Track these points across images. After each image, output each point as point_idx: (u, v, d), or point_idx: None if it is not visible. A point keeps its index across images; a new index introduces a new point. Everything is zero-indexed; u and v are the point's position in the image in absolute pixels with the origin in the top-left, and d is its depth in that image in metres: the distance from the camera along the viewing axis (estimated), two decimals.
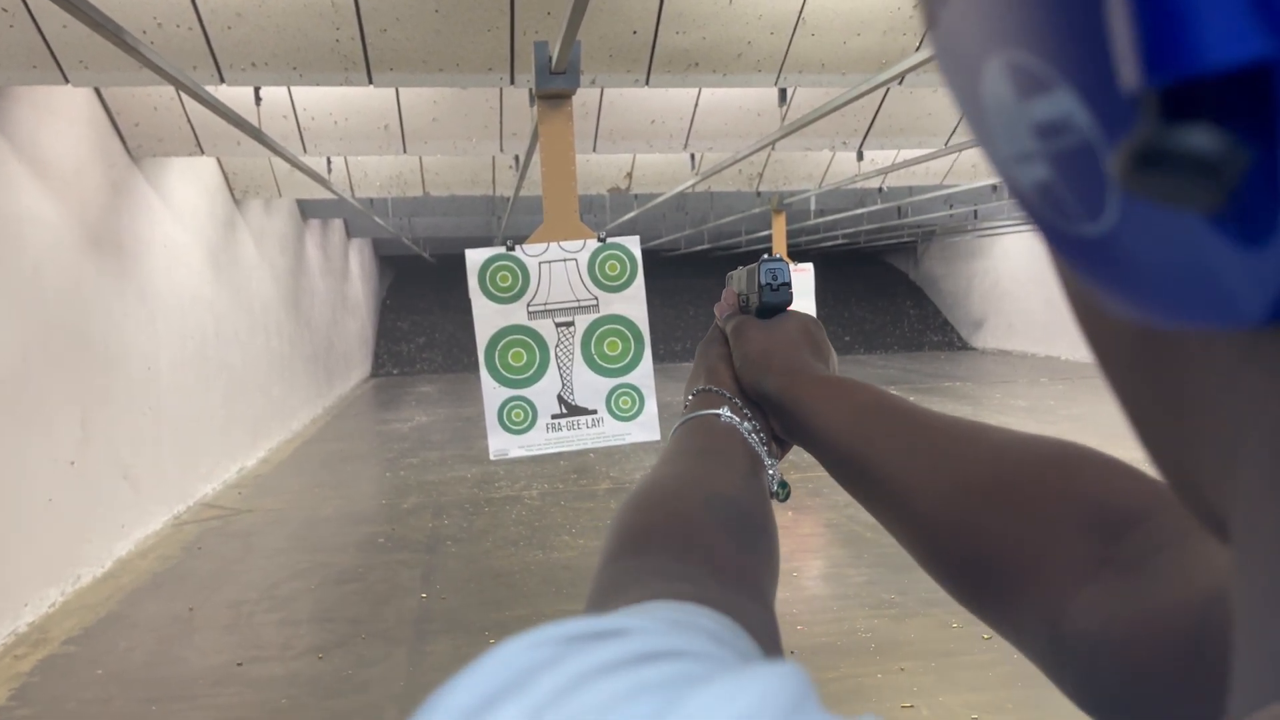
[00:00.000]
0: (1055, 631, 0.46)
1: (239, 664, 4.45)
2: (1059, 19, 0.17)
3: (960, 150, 7.06)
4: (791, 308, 0.84)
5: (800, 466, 0.79)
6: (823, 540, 6.14)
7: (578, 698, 0.20)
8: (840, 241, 20.21)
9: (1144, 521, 0.45)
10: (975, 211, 15.49)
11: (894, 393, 0.67)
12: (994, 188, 12.16)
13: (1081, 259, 0.20)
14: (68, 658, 4.65)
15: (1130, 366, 0.24)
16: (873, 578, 5.33)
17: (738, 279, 0.90)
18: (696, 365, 0.84)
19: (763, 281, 0.82)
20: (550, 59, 2.98)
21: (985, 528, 0.52)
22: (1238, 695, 0.21)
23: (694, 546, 0.52)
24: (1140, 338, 0.23)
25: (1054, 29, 0.17)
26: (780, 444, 0.77)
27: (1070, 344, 18.74)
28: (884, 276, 26.69)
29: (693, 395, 0.79)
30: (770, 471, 0.72)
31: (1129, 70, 0.15)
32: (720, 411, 0.74)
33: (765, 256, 0.83)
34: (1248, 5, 0.14)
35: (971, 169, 9.85)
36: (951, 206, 14.09)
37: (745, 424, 0.73)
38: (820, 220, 13.06)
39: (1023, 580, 0.49)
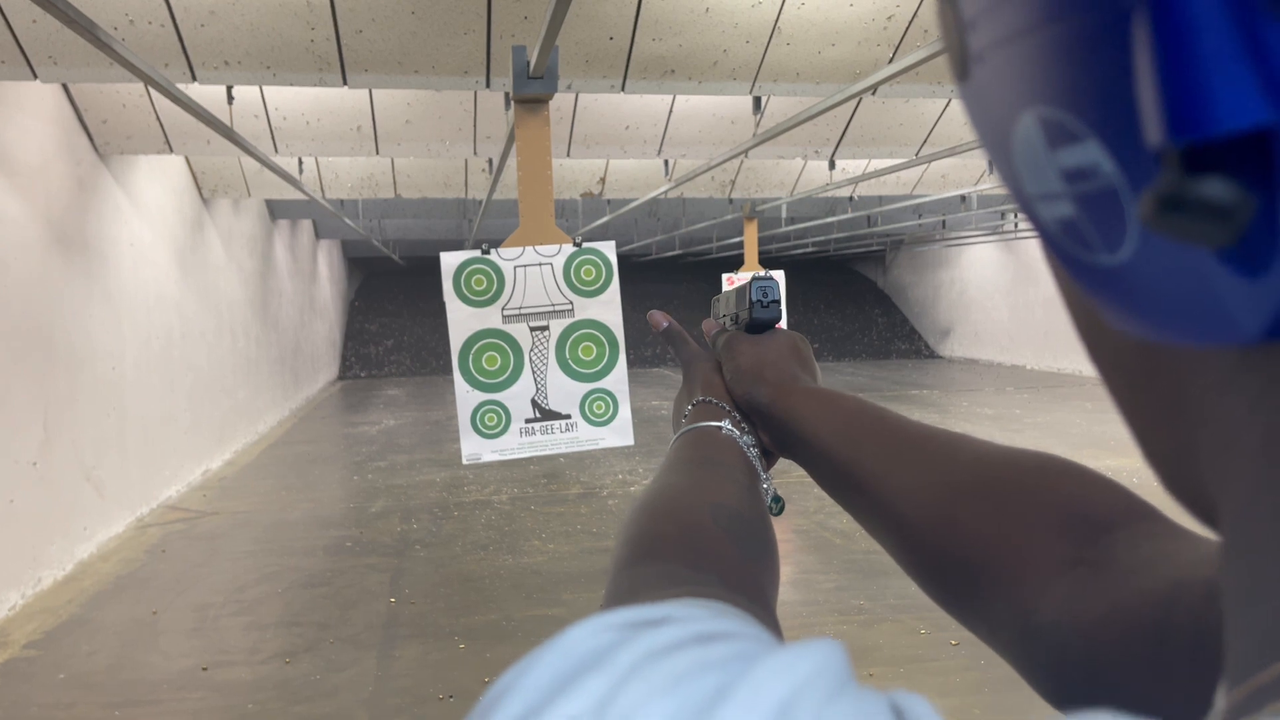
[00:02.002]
0: (1027, 623, 0.48)
1: (204, 668, 4.40)
2: (1092, 85, 0.20)
3: (930, 161, 7.13)
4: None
5: (772, 473, 0.83)
6: (792, 546, 6.18)
7: (654, 670, 0.22)
8: (810, 249, 20.34)
9: (1117, 527, 0.49)
10: (944, 221, 15.67)
11: (879, 404, 0.70)
12: (962, 198, 12.30)
13: (1096, 284, 0.24)
14: (29, 661, 4.57)
15: (1130, 376, 0.28)
16: (841, 583, 5.36)
17: (725, 300, 0.94)
18: (690, 378, 0.87)
19: (754, 298, 0.85)
20: (528, 64, 2.98)
21: (966, 528, 0.55)
22: (1232, 662, 0.24)
23: (705, 555, 0.54)
24: (1140, 350, 0.26)
25: (1087, 93, 0.20)
26: (769, 457, 0.80)
27: (1035, 353, 18.98)
28: (853, 284, 26.88)
29: (693, 405, 0.81)
30: (765, 485, 0.75)
31: (1154, 130, 0.18)
32: (722, 424, 0.77)
33: (756, 274, 0.86)
34: (1255, 81, 0.17)
35: (941, 179, 9.95)
36: (920, 216, 14.23)
37: (744, 438, 0.76)
38: (791, 228, 13.14)
39: (999, 577, 0.51)
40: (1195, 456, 0.26)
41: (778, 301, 0.85)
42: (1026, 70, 0.22)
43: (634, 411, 2.91)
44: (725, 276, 8.68)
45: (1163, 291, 0.21)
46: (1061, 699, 0.46)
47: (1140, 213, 0.19)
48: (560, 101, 6.49)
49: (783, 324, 0.88)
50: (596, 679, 0.22)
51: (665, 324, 0.93)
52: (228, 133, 5.03)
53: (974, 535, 0.54)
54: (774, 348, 0.83)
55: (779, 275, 8.75)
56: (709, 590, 0.46)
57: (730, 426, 0.76)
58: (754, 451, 0.76)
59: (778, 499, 0.76)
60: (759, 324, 0.85)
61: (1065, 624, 0.46)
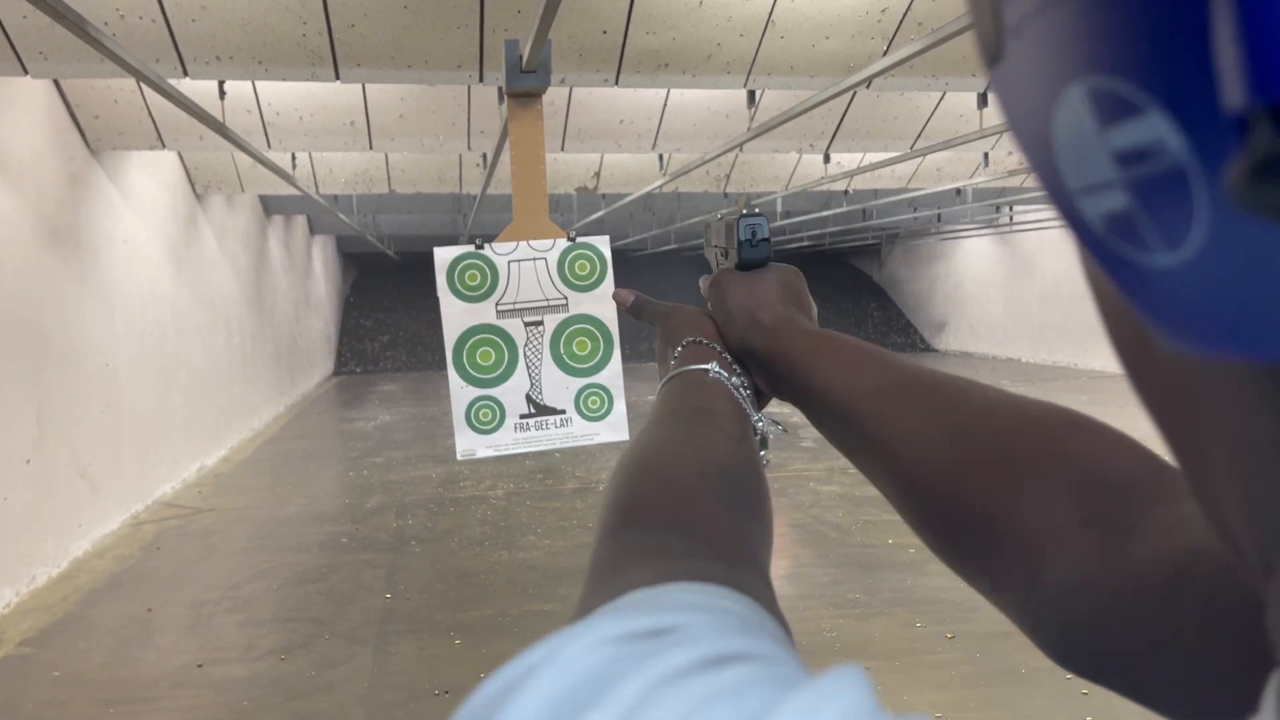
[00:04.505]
0: (1034, 581, 0.46)
1: (200, 665, 4.39)
2: (1155, 43, 0.17)
3: (925, 154, 7.12)
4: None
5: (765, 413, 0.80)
6: (788, 540, 6.18)
7: (661, 706, 0.20)
8: (805, 243, 20.33)
9: (1134, 487, 0.46)
10: (939, 215, 15.67)
11: (881, 347, 0.66)
12: (957, 192, 12.30)
13: (1148, 292, 0.19)
14: (23, 659, 4.56)
15: (1184, 404, 0.23)
16: (837, 577, 5.37)
17: (716, 230, 0.89)
18: (672, 324, 0.82)
19: (741, 238, 0.81)
20: (521, 58, 2.97)
21: (974, 481, 0.52)
22: None
23: (694, 519, 0.51)
24: (1198, 372, 0.22)
25: (1150, 51, 0.17)
26: (761, 397, 0.76)
27: (1031, 347, 18.99)
28: (848, 278, 26.89)
29: (682, 347, 0.77)
30: (756, 423, 0.71)
31: (1237, 92, 0.15)
32: (709, 366, 0.73)
33: (744, 211, 0.82)
34: None
35: (936, 173, 9.95)
36: (915, 210, 14.22)
37: (733, 379, 0.73)
38: (786, 222, 13.13)
39: (1006, 533, 0.49)
40: (1260, 496, 0.22)
41: (767, 240, 0.81)
42: (1075, 35, 0.18)
43: (629, 406, 2.89)
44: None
45: (1235, 296, 0.17)
46: (1066, 659, 0.45)
47: (1228, 186, 0.15)
48: (554, 95, 6.47)
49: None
50: (599, 716, 0.20)
51: (631, 299, 0.90)
52: (220, 128, 5.00)
53: (981, 488, 0.52)
54: (767, 286, 0.78)
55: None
56: (696, 566, 0.43)
57: (718, 369, 0.73)
58: (745, 393, 0.72)
59: (766, 441, 0.72)
60: (748, 264, 0.81)
61: (1073, 585, 0.44)
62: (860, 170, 8.17)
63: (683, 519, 0.51)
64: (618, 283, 2.90)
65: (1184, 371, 0.22)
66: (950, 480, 0.54)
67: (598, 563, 0.48)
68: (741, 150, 7.51)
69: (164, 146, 6.82)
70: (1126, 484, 0.47)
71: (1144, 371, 0.24)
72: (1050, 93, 0.20)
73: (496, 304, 2.89)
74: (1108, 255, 0.20)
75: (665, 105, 6.87)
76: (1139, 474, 0.47)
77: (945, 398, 0.58)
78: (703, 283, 0.89)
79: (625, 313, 0.91)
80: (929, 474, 0.55)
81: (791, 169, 9.77)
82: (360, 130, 6.68)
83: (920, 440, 0.57)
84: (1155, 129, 0.17)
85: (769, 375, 0.74)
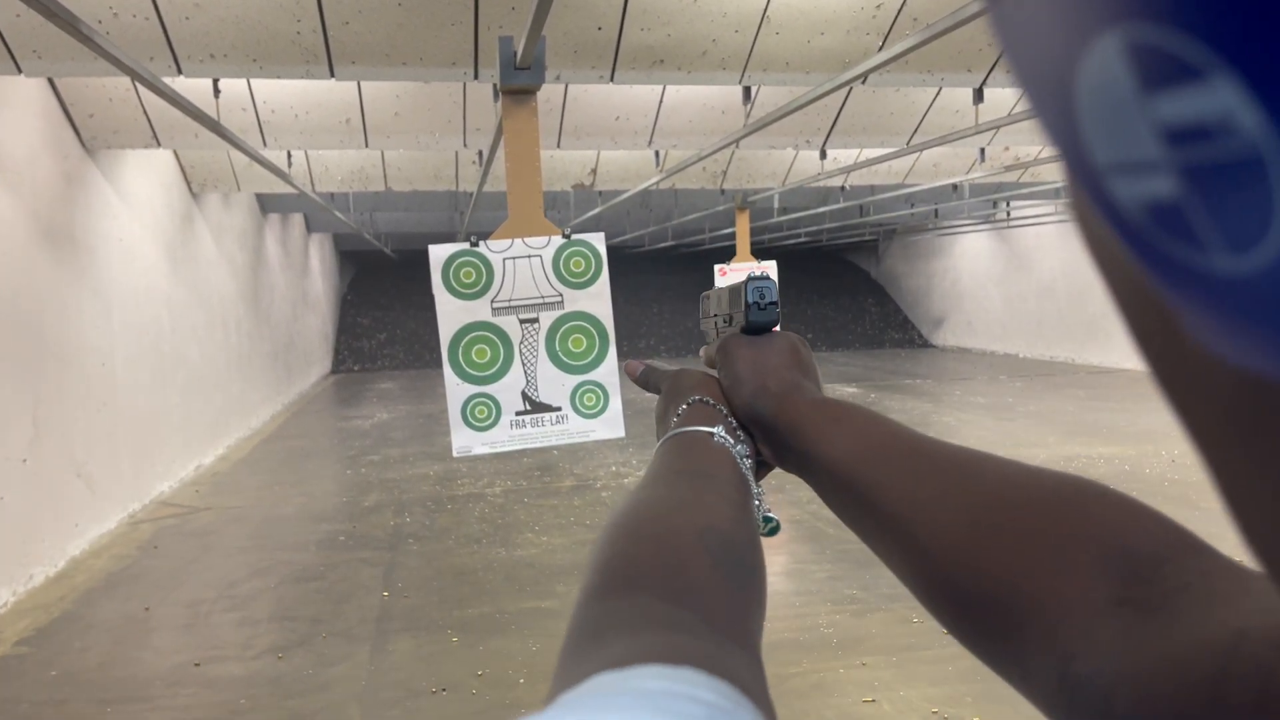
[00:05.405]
0: (1066, 671, 0.43)
1: (197, 664, 4.39)
2: None
3: (921, 150, 7.12)
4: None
5: (764, 487, 0.75)
6: (785, 536, 6.18)
7: None
8: (803, 239, 20.34)
9: (1166, 563, 0.43)
10: (936, 210, 15.67)
11: (894, 419, 0.65)
12: (954, 187, 12.30)
13: (1201, 296, 0.16)
14: (20, 659, 4.56)
15: (1230, 420, 0.19)
16: (834, 573, 5.37)
17: (717, 298, 0.88)
18: (676, 384, 0.79)
19: (749, 300, 0.79)
20: (515, 54, 2.97)
21: (993, 563, 0.49)
22: None
23: (687, 588, 0.48)
24: (1252, 387, 0.18)
25: None
26: (762, 468, 0.74)
27: (1028, 342, 19.00)
28: (846, 274, 26.89)
29: (688, 404, 0.74)
30: (757, 502, 0.68)
31: None
32: (715, 430, 0.70)
33: (751, 274, 0.80)
34: None
35: (933, 168, 9.95)
36: (913, 205, 14.23)
37: (738, 446, 0.70)
38: (783, 218, 13.13)
39: (1031, 619, 0.46)
40: None
41: (775, 303, 0.79)
42: None
43: (625, 403, 2.89)
44: (718, 268, 8.65)
45: None
46: None
47: None
48: (550, 93, 6.47)
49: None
50: None
51: (640, 369, 0.87)
52: (215, 126, 5.00)
53: (1000, 563, 0.48)
54: (775, 352, 0.76)
55: (771, 267, 8.68)
56: (680, 641, 0.40)
57: (723, 434, 0.70)
58: (748, 463, 0.69)
59: (769, 518, 0.70)
60: (756, 327, 0.79)
61: (1110, 674, 0.40)
62: (857, 166, 8.17)
63: (675, 583, 0.48)
64: (615, 280, 2.90)
65: (1232, 378, 0.18)
66: (966, 555, 0.51)
67: (575, 629, 0.45)
68: (738, 146, 7.50)
69: (159, 145, 6.81)
70: (1156, 560, 0.43)
71: (1177, 371, 0.20)
72: (1074, 41, 0.15)
73: (492, 301, 2.90)
74: (1145, 249, 0.16)
75: (661, 102, 6.87)
76: (1168, 548, 0.44)
77: (958, 468, 0.55)
78: (704, 351, 0.86)
79: (635, 384, 0.88)
80: (943, 549, 0.52)
81: (788, 165, 9.76)
82: (356, 128, 6.68)
83: (933, 513, 0.54)
84: (1222, 101, 0.13)
85: (775, 444, 0.71)
